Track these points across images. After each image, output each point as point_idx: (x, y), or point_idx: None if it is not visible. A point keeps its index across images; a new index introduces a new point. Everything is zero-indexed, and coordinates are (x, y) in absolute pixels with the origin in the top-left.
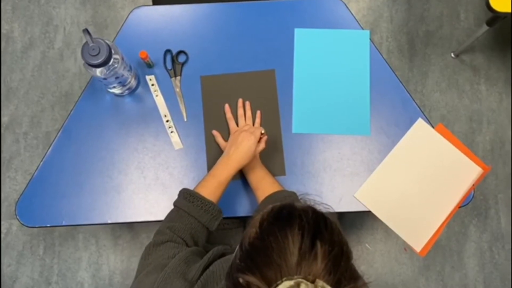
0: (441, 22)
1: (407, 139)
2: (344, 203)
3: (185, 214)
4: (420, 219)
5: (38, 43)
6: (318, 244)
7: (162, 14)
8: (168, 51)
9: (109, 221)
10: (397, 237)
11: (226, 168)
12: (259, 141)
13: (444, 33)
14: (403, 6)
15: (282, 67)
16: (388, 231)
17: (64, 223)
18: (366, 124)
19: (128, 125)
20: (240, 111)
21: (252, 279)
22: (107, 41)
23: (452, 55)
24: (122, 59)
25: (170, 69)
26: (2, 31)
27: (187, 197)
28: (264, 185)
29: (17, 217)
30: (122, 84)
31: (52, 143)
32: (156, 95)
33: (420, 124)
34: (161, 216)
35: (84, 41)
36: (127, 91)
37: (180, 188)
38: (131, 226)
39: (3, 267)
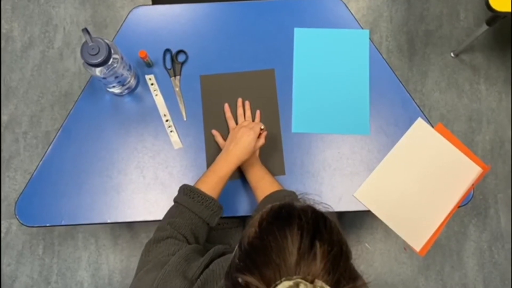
0: (441, 21)
1: (406, 138)
2: (343, 203)
3: (186, 210)
4: (420, 218)
5: (38, 43)
6: (317, 244)
7: (162, 13)
8: (167, 50)
9: (109, 221)
10: (396, 236)
11: (226, 163)
12: (258, 137)
13: (443, 33)
14: (402, 6)
15: (281, 67)
16: (387, 231)
17: (63, 223)
18: (365, 124)
19: (128, 124)
20: (240, 111)
21: (251, 279)
22: (106, 41)
23: (452, 54)
24: (122, 58)
25: (170, 69)
26: (2, 30)
27: (187, 193)
28: (264, 184)
29: (17, 216)
30: (122, 83)
31: (51, 142)
32: (156, 95)
33: (420, 124)
34: (161, 216)
35: (83, 40)
36: (126, 91)
37: None
38: (130, 225)
39: (2, 266)
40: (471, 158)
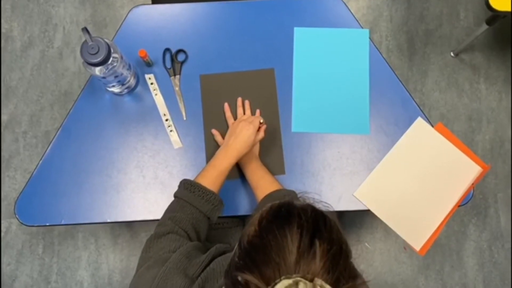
0: (441, 21)
1: (406, 138)
2: (343, 202)
3: (187, 204)
4: (420, 218)
5: (38, 42)
6: (317, 243)
7: (161, 13)
8: (167, 50)
9: (109, 220)
10: (396, 236)
11: (226, 157)
12: (258, 130)
13: (443, 32)
14: (402, 5)
15: (281, 66)
16: (387, 230)
17: (63, 222)
18: (365, 123)
19: (127, 124)
20: (240, 110)
21: (250, 277)
22: (106, 40)
23: (452, 54)
24: (121, 58)
25: (170, 68)
26: (2, 30)
27: (188, 187)
28: (264, 184)
29: (17, 216)
30: (121, 83)
31: (51, 142)
32: (156, 94)
33: (420, 123)
34: (160, 215)
35: (83, 40)
36: (126, 90)
37: None
38: (130, 225)
39: (2, 266)
40: (471, 158)
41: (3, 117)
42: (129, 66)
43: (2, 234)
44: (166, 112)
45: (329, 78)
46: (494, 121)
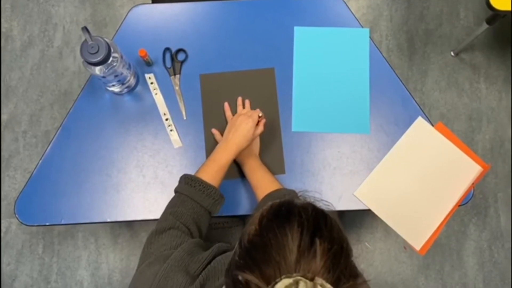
0: (441, 20)
1: (406, 137)
2: (343, 202)
3: (187, 199)
4: (420, 217)
5: (37, 42)
6: (317, 242)
7: (161, 12)
8: (167, 49)
9: (108, 220)
10: (396, 235)
11: (225, 152)
12: (257, 124)
13: (443, 32)
14: (402, 5)
15: (281, 65)
16: (387, 230)
17: (63, 222)
18: (365, 123)
19: (127, 123)
20: (240, 108)
21: (250, 276)
22: (106, 39)
23: (452, 53)
24: (121, 57)
25: (170, 67)
26: (2, 29)
27: (188, 182)
28: (264, 183)
29: (16, 215)
30: (121, 82)
31: (51, 141)
32: (156, 94)
33: (420, 123)
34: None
35: (83, 39)
36: (126, 90)
37: None
38: (130, 224)
39: (2, 265)
40: (471, 157)
41: (3, 117)
42: (129, 65)
43: (2, 233)
44: (166, 111)
45: (329, 77)
46: (494, 120)
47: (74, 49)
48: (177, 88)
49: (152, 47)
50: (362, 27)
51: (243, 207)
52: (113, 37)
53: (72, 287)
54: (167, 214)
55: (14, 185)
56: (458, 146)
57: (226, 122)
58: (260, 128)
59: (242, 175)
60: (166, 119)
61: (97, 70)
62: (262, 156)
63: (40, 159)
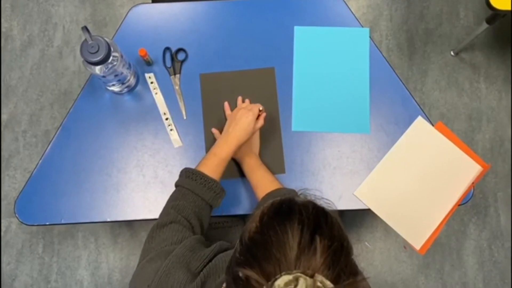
0: (441, 20)
1: (406, 137)
2: (343, 201)
3: (189, 192)
4: (420, 217)
5: (37, 41)
6: (318, 239)
7: (161, 11)
8: (167, 49)
9: (108, 219)
10: (396, 235)
11: (226, 145)
12: (257, 118)
13: (443, 31)
14: (402, 4)
15: (281, 65)
16: (387, 229)
17: (63, 221)
18: (365, 122)
19: (127, 123)
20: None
21: (251, 273)
22: (106, 39)
23: (452, 53)
24: (121, 57)
25: (170, 67)
26: (2, 29)
27: (189, 175)
28: (264, 183)
29: (16, 215)
30: (121, 82)
31: (51, 141)
32: (156, 93)
33: (420, 122)
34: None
35: (83, 39)
36: (126, 89)
37: None
38: (130, 224)
39: (2, 265)
40: (471, 157)
41: (3, 116)
42: (129, 65)
43: (2, 233)
44: (166, 111)
45: (329, 77)
46: (494, 120)
47: (74, 49)
48: (177, 87)
49: (152, 46)
50: (362, 26)
51: (243, 207)
52: (113, 37)
53: (72, 286)
54: (169, 208)
55: (14, 184)
56: (458, 145)
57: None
58: (261, 121)
59: (242, 174)
60: (166, 119)
61: (97, 69)
62: (262, 155)
63: (40, 158)
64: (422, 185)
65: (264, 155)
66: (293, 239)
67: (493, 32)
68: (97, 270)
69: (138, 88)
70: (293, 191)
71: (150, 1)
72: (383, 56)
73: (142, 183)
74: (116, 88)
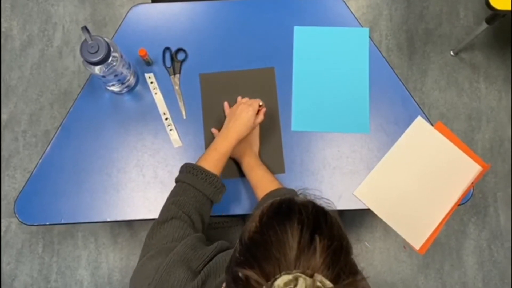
0: (441, 20)
1: (406, 137)
2: (343, 201)
3: (190, 187)
4: (419, 217)
5: (37, 41)
6: (317, 239)
7: (161, 11)
8: (167, 48)
9: (108, 219)
10: (396, 235)
11: (226, 140)
12: (257, 113)
13: (443, 31)
14: (402, 4)
15: (281, 65)
16: (387, 229)
17: (63, 221)
18: (365, 122)
19: (127, 123)
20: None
21: (250, 273)
22: (106, 39)
23: (452, 53)
24: (121, 57)
25: (169, 67)
26: (1, 29)
27: (190, 171)
28: (264, 183)
29: (16, 215)
30: (121, 82)
31: (51, 141)
32: (155, 93)
33: (419, 122)
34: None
35: (83, 38)
36: (126, 89)
37: None
38: (130, 224)
39: (2, 265)
40: (470, 157)
41: (3, 116)
42: (129, 65)
43: (2, 233)
44: (166, 111)
45: (329, 77)
46: (493, 120)
47: (74, 49)
48: (176, 87)
49: (152, 46)
50: (362, 26)
51: (243, 207)
52: (112, 37)
53: (72, 286)
54: (170, 204)
55: (14, 184)
56: (457, 145)
57: None
58: (260, 117)
59: (242, 174)
60: (166, 119)
61: (97, 69)
62: (262, 155)
63: (40, 158)
64: (422, 185)
65: (264, 155)
66: (292, 239)
67: (493, 32)
68: (97, 270)
69: (138, 88)
70: (293, 191)
71: (150, 1)
72: (382, 56)
73: (142, 183)
74: (116, 88)
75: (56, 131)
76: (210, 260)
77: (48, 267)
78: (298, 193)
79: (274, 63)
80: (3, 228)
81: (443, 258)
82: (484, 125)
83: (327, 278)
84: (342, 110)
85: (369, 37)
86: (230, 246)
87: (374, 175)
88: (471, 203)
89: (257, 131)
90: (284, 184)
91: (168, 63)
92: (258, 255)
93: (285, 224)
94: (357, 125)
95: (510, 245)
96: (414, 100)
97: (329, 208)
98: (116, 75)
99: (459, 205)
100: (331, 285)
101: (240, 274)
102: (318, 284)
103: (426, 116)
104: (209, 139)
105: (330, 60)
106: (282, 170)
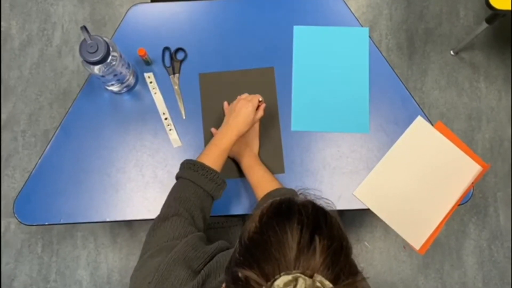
0: (441, 19)
1: (406, 137)
2: (343, 201)
3: (190, 183)
4: (419, 217)
5: (36, 41)
6: (317, 239)
7: (161, 11)
8: (166, 48)
9: (108, 219)
10: (396, 235)
11: (226, 136)
12: (257, 109)
13: (443, 31)
14: (402, 4)
15: (281, 65)
16: (387, 229)
17: (62, 221)
18: (365, 122)
19: (127, 123)
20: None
21: (250, 273)
22: (105, 39)
23: (452, 52)
24: (120, 56)
25: (169, 67)
26: (1, 28)
27: (191, 167)
28: (263, 183)
29: (15, 215)
30: (121, 81)
31: (50, 141)
32: (155, 93)
33: (419, 122)
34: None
35: (82, 38)
36: (125, 89)
37: None
38: (129, 224)
39: (1, 265)
40: (470, 156)
41: (2, 116)
42: (128, 64)
43: (1, 233)
44: (165, 111)
45: (328, 76)
46: (493, 120)
47: (73, 48)
48: (176, 87)
49: (151, 46)
50: (362, 26)
51: (243, 207)
52: (112, 36)
53: (71, 286)
54: (171, 200)
55: (13, 184)
56: (457, 145)
57: None
58: (260, 112)
59: (242, 174)
60: (165, 119)
61: (96, 69)
62: (262, 155)
63: (39, 158)
64: (422, 185)
65: (264, 155)
66: (292, 239)
67: (493, 32)
68: (96, 270)
69: (137, 87)
70: (293, 191)
71: (149, 1)
72: (382, 55)
73: (141, 183)
74: (115, 88)
75: (56, 131)
76: (211, 259)
77: (47, 267)
78: (298, 193)
79: (273, 63)
80: (2, 228)
81: (443, 258)
82: (484, 125)
83: (327, 278)
84: (342, 109)
85: (369, 36)
86: (230, 246)
87: (374, 175)
88: (471, 203)
89: (256, 131)
90: (284, 184)
91: (168, 62)
92: (257, 256)
93: (284, 224)
94: (357, 125)
95: (510, 245)
96: (414, 100)
97: (329, 208)
98: (115, 75)
99: (459, 205)
100: (331, 285)
101: (240, 275)
102: (318, 284)
103: (426, 116)
104: (209, 139)
105: (330, 60)
106: (282, 170)
